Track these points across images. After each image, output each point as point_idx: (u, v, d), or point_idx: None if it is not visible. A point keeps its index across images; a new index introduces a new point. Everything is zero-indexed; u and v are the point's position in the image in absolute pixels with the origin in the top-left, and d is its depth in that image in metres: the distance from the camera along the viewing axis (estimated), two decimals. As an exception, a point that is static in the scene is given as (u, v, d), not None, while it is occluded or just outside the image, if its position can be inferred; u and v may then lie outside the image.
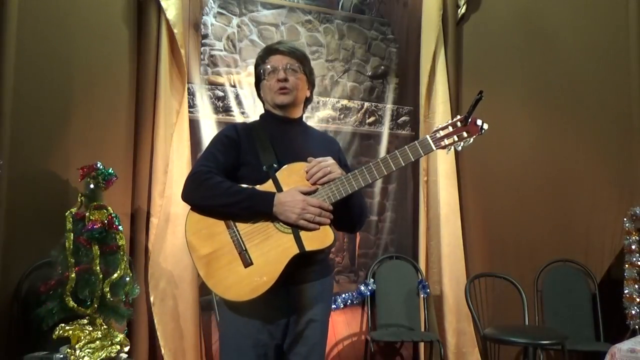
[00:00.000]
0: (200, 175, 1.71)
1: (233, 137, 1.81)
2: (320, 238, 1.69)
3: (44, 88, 2.72)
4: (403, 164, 1.71)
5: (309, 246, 1.68)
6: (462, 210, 3.80)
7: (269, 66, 1.86)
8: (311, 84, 1.95)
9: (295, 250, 1.67)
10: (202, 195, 1.70)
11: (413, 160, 1.72)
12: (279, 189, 1.72)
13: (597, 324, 3.42)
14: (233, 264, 1.67)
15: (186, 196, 1.74)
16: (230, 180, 1.74)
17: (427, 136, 1.73)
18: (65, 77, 2.84)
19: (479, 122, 1.72)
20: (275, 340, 1.74)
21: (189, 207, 1.75)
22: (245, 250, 1.68)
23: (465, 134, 1.72)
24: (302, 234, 1.68)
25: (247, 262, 1.67)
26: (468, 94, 3.93)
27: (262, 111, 1.98)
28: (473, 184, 3.87)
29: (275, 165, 1.75)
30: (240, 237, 1.69)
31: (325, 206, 1.70)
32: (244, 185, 1.72)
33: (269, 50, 1.90)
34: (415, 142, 1.72)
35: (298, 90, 1.87)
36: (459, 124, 1.72)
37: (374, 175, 1.71)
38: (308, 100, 1.96)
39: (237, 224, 1.70)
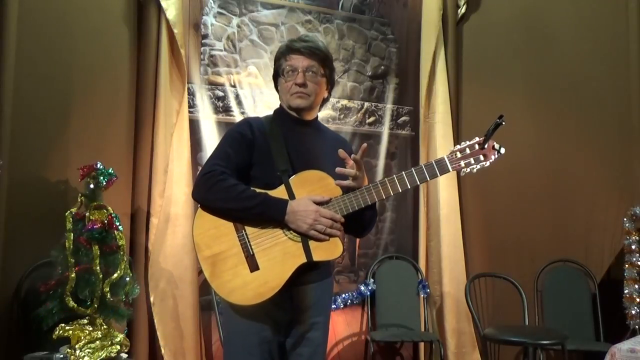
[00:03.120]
0: (214, 176, 1.68)
1: (247, 135, 1.77)
2: (329, 249, 1.69)
3: (44, 88, 2.72)
4: (419, 183, 1.72)
5: (317, 256, 1.68)
6: (462, 210, 3.80)
7: (288, 66, 1.81)
8: (331, 84, 1.92)
9: (302, 260, 1.67)
10: (214, 197, 1.68)
11: (429, 180, 1.72)
12: (292, 196, 1.71)
13: (597, 324, 3.42)
14: (239, 267, 1.66)
15: (197, 195, 1.72)
16: (241, 179, 1.72)
17: (445, 156, 1.72)
18: (65, 77, 2.84)
19: (497, 145, 1.71)
20: (278, 337, 1.74)
21: (198, 205, 1.73)
22: (253, 254, 1.67)
23: (482, 157, 1.72)
24: (311, 243, 1.68)
25: (254, 267, 1.66)
26: (468, 94, 3.94)
27: (276, 106, 1.94)
28: (473, 184, 3.87)
29: (289, 170, 1.73)
30: (249, 240, 1.68)
31: (337, 218, 1.69)
32: (258, 190, 1.69)
33: (291, 48, 1.83)
34: (432, 161, 1.72)
35: (316, 94, 1.83)
36: (476, 146, 1.71)
37: (388, 191, 1.71)
38: (325, 100, 1.93)
39: (246, 227, 1.69)
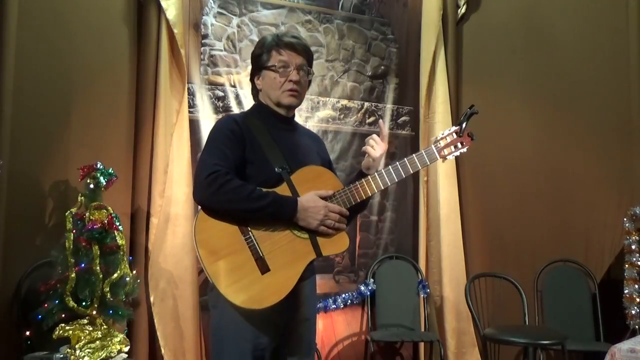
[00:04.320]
0: (219, 177, 1.62)
1: (237, 132, 1.73)
2: (337, 243, 1.71)
3: (44, 88, 2.72)
4: (411, 171, 1.80)
5: (326, 251, 1.69)
6: (462, 210, 3.80)
7: (280, 61, 1.78)
8: (309, 86, 1.93)
9: (312, 256, 1.68)
10: (222, 199, 1.62)
11: (420, 168, 1.82)
12: (295, 193, 1.70)
13: (597, 324, 3.42)
14: (250, 271, 1.63)
15: (202, 197, 1.65)
16: (239, 177, 1.68)
17: (432, 146, 1.82)
18: (65, 77, 2.84)
19: (471, 133, 1.86)
20: (274, 343, 1.71)
21: (199, 208, 1.69)
22: (262, 256, 1.64)
23: (459, 145, 1.84)
24: (319, 239, 1.69)
25: (265, 269, 1.63)
26: (468, 94, 3.93)
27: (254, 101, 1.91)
28: (473, 184, 3.87)
29: (287, 168, 1.72)
30: (257, 242, 1.65)
31: (344, 212, 1.71)
32: (265, 190, 1.67)
33: (283, 42, 1.79)
34: (422, 151, 1.82)
35: (304, 92, 1.86)
36: (454, 134, 1.84)
37: (385, 181, 1.78)
38: None
39: (251, 228, 1.66)
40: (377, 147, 1.83)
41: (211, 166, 1.65)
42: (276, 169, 1.71)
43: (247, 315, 1.65)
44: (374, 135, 1.86)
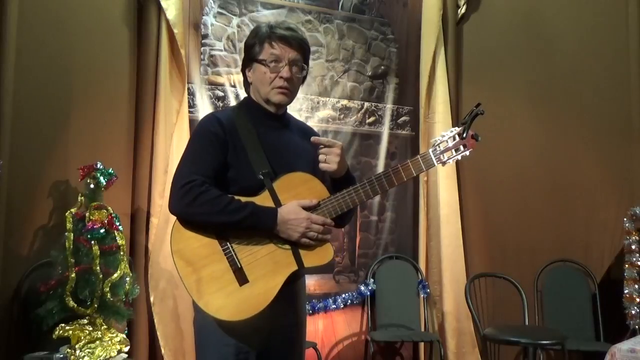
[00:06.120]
0: (194, 188, 1.54)
1: (219, 133, 1.62)
2: (320, 254, 1.62)
3: (44, 88, 2.73)
4: (405, 179, 1.66)
5: (308, 263, 1.61)
6: (462, 210, 3.80)
7: (272, 54, 1.66)
8: (304, 81, 1.79)
9: (293, 267, 1.59)
10: (197, 211, 1.54)
11: (415, 175, 1.67)
12: (277, 201, 1.60)
13: (597, 324, 3.42)
14: (227, 282, 1.55)
15: (177, 208, 1.56)
16: (218, 182, 1.60)
17: (430, 151, 1.67)
18: (65, 78, 2.84)
19: (475, 135, 1.69)
20: (259, 348, 1.63)
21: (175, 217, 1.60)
22: (241, 267, 1.56)
23: (462, 147, 1.68)
24: (302, 250, 1.60)
25: (243, 280, 1.56)
26: (468, 94, 3.93)
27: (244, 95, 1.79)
28: (473, 184, 3.87)
29: (270, 173, 1.62)
30: (235, 253, 1.57)
31: (328, 222, 1.62)
32: (243, 199, 1.57)
33: (276, 35, 1.67)
34: (418, 156, 1.67)
35: (296, 91, 1.74)
36: (457, 137, 1.67)
37: (375, 190, 1.65)
38: None
39: (230, 239, 1.58)
40: (329, 158, 1.65)
41: (187, 175, 1.58)
42: (259, 175, 1.61)
43: (227, 323, 1.57)
44: (321, 149, 1.67)
